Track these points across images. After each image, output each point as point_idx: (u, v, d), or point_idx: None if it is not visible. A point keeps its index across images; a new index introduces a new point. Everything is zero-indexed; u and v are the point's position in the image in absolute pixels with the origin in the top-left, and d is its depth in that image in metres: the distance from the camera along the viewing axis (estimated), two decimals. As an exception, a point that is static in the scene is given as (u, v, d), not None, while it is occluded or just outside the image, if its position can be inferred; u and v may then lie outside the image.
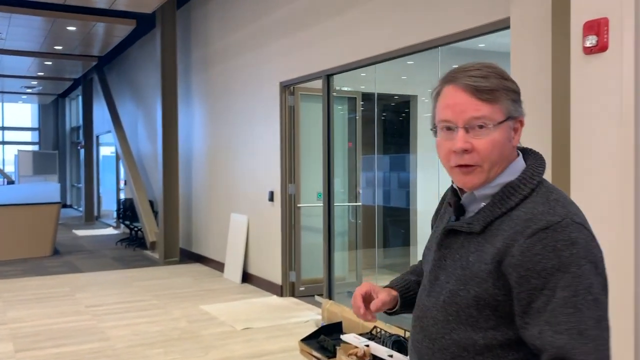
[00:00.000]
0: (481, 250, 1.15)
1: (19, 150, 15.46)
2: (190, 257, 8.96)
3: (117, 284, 7.18)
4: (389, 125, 8.04)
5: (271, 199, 6.58)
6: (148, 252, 9.60)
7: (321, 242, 5.86)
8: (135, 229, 10.48)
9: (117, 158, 13.88)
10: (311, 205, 6.52)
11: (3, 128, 20.64)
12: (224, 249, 7.81)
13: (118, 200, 12.11)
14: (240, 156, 7.35)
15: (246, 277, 7.15)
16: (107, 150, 15.83)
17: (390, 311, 1.42)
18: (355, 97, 6.64)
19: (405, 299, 1.42)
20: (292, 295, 6.38)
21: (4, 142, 20.66)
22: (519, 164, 1.20)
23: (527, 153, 1.24)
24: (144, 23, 9.69)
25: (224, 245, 7.81)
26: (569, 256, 1.06)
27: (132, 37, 11.02)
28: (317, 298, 6.09)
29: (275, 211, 6.54)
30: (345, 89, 6.58)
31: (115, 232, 12.91)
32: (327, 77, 5.60)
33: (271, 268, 6.64)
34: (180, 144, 9.07)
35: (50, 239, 9.57)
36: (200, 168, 8.67)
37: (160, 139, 8.76)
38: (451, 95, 1.18)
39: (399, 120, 8.01)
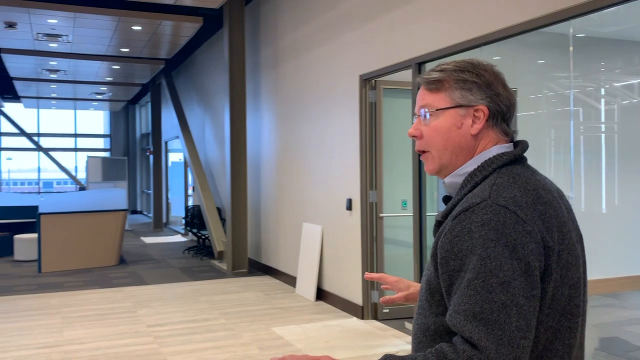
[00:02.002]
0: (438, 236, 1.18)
1: (88, 157, 15.49)
2: (260, 268, 8.35)
3: (183, 299, 6.63)
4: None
5: (349, 207, 5.84)
6: (215, 262, 9.08)
7: (406, 258, 5.06)
8: (203, 237, 10.01)
9: (185, 164, 13.58)
10: (395, 215, 5.73)
11: (76, 135, 21.00)
12: (295, 261, 7.14)
13: (186, 207, 11.72)
14: (314, 160, 6.67)
15: (321, 294, 6.44)
16: (175, 156, 15.63)
17: None
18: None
19: None
20: (375, 318, 5.60)
21: (76, 149, 21.01)
22: (489, 154, 1.20)
23: (517, 144, 1.23)
24: (210, 21, 9.23)
25: (295, 257, 7.15)
26: (478, 237, 1.06)
27: (199, 38, 10.61)
28: (408, 325, 5.29)
29: (354, 221, 5.80)
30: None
31: (183, 239, 12.56)
32: (418, 65, 4.80)
33: (350, 286, 5.90)
34: (248, 148, 8.50)
35: (116, 247, 9.22)
36: (269, 174, 8.06)
37: (228, 143, 8.22)
38: (418, 91, 1.29)
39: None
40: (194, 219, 10.31)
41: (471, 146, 1.21)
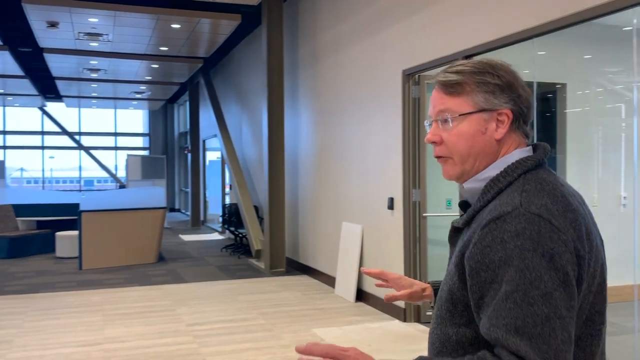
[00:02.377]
0: (460, 244, 1.16)
1: (128, 155, 15.69)
2: (297, 268, 8.26)
3: (221, 298, 6.58)
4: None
5: (391, 206, 5.69)
6: (253, 261, 9.03)
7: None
8: (240, 235, 9.98)
9: (223, 162, 13.62)
10: (440, 215, 5.55)
11: (116, 134, 21.34)
12: (334, 261, 7.02)
13: (223, 206, 11.72)
14: (353, 158, 6.53)
15: (361, 295, 6.30)
16: (213, 154, 15.71)
17: (431, 305, 1.45)
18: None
19: None
20: (418, 320, 5.44)
21: (116, 148, 21.35)
22: (512, 158, 1.17)
23: (537, 147, 1.20)
24: (249, 18, 9.18)
25: (334, 257, 7.02)
26: (513, 248, 1.02)
27: (237, 36, 10.59)
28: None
29: (395, 221, 5.64)
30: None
31: (220, 237, 12.58)
32: (466, 59, 4.61)
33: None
34: (286, 146, 8.42)
35: (156, 245, 9.26)
36: (307, 172, 7.95)
37: (266, 141, 8.15)
38: (433, 93, 1.24)
39: (543, 114, 6.84)
40: (232, 217, 10.29)
41: (494, 151, 1.18)
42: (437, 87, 1.21)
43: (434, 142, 1.21)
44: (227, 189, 13.72)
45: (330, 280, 7.11)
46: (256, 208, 9.98)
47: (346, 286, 6.51)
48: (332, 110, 7.09)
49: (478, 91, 1.16)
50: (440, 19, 4.90)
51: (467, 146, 1.17)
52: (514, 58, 4.89)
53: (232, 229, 10.18)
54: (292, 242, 8.46)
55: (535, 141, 1.29)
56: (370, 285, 6.17)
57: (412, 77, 5.41)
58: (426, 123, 1.28)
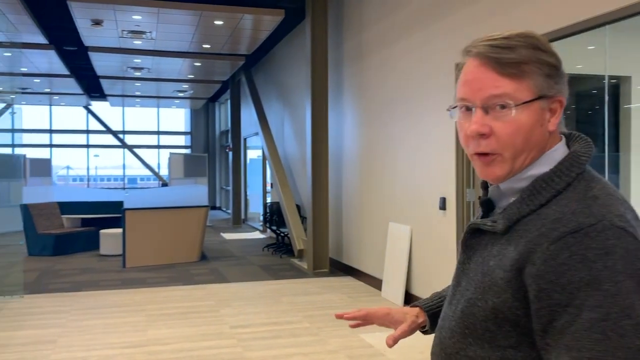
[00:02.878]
0: (503, 254, 0.97)
1: (171, 153, 15.78)
2: (341, 269, 8.05)
3: (265, 299, 6.43)
4: (588, 116, 6.49)
5: (443, 207, 5.42)
6: (295, 261, 8.86)
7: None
8: (282, 234, 9.83)
9: (264, 160, 13.53)
10: (495, 216, 5.25)
11: (159, 132, 21.55)
12: (380, 262, 6.78)
13: (264, 204, 11.62)
14: (402, 156, 6.28)
15: (409, 299, 6.05)
16: (254, 153, 15.65)
17: (424, 330, 1.32)
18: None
19: (436, 316, 1.27)
20: (472, 327, 5.15)
21: (159, 146, 21.57)
22: (558, 153, 1.00)
23: (572, 138, 1.03)
24: (292, 14, 9.01)
25: (380, 258, 6.78)
26: (602, 269, 0.85)
27: (279, 33, 10.45)
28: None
29: (448, 222, 5.37)
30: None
31: (261, 236, 12.48)
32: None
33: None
34: (329, 144, 8.22)
35: (198, 243, 9.20)
36: (351, 170, 7.73)
37: (309, 139, 7.96)
38: (470, 70, 1.00)
39: (603, 109, 6.44)
40: (273, 215, 10.15)
41: (545, 145, 1.00)
42: (484, 63, 0.97)
43: (482, 134, 0.98)
44: (268, 187, 13.61)
45: (376, 283, 6.88)
46: (298, 207, 9.82)
47: (394, 289, 6.26)
48: (379, 107, 6.85)
49: (539, 73, 0.96)
50: (499, 8, 4.61)
51: (524, 140, 0.97)
52: (576, 49, 4.56)
53: (274, 228, 10.05)
54: (336, 242, 8.26)
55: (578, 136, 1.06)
56: (419, 289, 5.92)
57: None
58: (452, 109, 1.03)
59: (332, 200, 8.33)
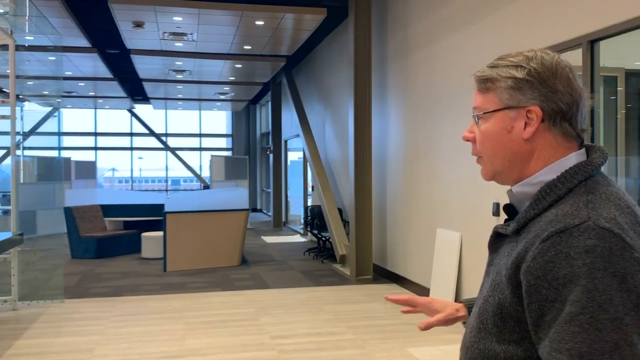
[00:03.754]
0: (510, 254, 1.06)
1: (212, 156, 15.76)
2: (385, 275, 7.76)
3: (307, 307, 6.20)
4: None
5: (496, 213, 5.08)
6: (337, 266, 8.61)
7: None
8: (324, 238, 9.60)
9: (305, 162, 13.33)
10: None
11: (200, 135, 21.66)
12: (427, 270, 6.47)
13: (305, 207, 11.41)
14: (451, 158, 5.96)
15: (459, 310, 5.71)
16: (295, 155, 15.49)
17: (465, 323, 1.38)
18: (616, 76, 4.86)
19: None
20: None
21: (201, 148, 21.67)
22: (569, 161, 1.07)
23: (592, 150, 1.10)
24: (334, 12, 8.78)
25: (427, 265, 6.47)
26: (581, 266, 0.93)
27: (320, 33, 10.23)
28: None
29: (501, 229, 5.01)
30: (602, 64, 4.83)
31: (302, 239, 12.28)
32: (590, 44, 3.96)
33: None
34: (373, 146, 7.94)
35: (238, 247, 9.05)
36: (396, 173, 7.44)
37: (352, 141, 7.70)
38: None
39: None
40: (315, 219, 9.92)
41: (525, 151, 1.09)
42: (475, 82, 1.15)
43: (469, 140, 1.17)
44: (309, 190, 13.41)
45: (422, 291, 6.57)
46: (340, 211, 9.57)
47: (442, 298, 5.93)
48: (425, 106, 6.54)
49: (504, 87, 1.09)
50: (553, 1, 4.26)
51: (492, 145, 1.11)
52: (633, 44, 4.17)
53: (315, 232, 9.82)
54: (380, 247, 7.97)
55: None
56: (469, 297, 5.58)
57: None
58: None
59: (375, 204, 8.04)
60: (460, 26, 5.71)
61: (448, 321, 1.38)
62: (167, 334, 5.22)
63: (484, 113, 1.11)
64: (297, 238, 12.63)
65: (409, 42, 7.01)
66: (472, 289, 5.54)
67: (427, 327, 1.34)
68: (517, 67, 1.08)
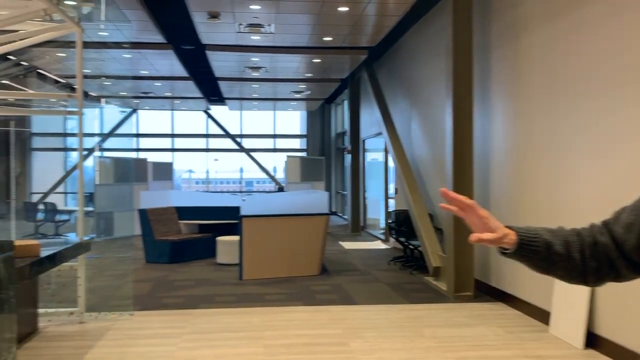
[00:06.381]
0: None
1: (288, 157, 15.18)
2: (488, 292, 6.78)
3: (402, 330, 5.34)
4: None
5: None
6: (430, 280, 7.68)
7: None
8: (412, 247, 8.70)
9: (386, 163, 12.45)
10: None
11: (275, 136, 21.23)
12: (546, 289, 5.46)
13: (387, 211, 10.53)
14: (575, 158, 4.94)
15: (594, 341, 4.69)
16: (372, 155, 14.64)
17: (504, 251, 1.32)
18: None
19: (523, 248, 1.29)
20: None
21: (275, 150, 21.24)
22: None
23: None
24: (425, -5, 7.89)
25: (546, 284, 5.46)
26: None
27: (406, 22, 9.33)
28: None
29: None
30: None
31: (384, 246, 11.41)
32: None
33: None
34: (474, 145, 6.98)
35: (318, 255, 8.31)
36: (502, 174, 6.45)
37: (450, 139, 6.78)
38: None
39: None
40: (402, 225, 9.03)
41: None
42: None
43: None
44: (391, 192, 12.50)
45: (540, 314, 5.56)
46: (430, 216, 8.63)
47: (569, 326, 4.93)
48: (543, 97, 5.54)
49: None
50: None
51: None
52: None
53: (403, 239, 8.93)
54: (482, 260, 6.98)
55: None
56: (607, 328, 4.55)
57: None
58: None
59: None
60: (588, 0, 4.70)
61: (497, 243, 1.30)
62: (245, 359, 4.52)
63: None
64: (379, 245, 11.77)
65: (519, 23, 6.02)
66: (611, 316, 4.51)
67: (477, 241, 1.29)
68: None
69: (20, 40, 5.50)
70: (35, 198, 17.52)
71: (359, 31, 9.20)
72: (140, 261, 9.55)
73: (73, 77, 11.88)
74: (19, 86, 12.10)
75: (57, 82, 13.22)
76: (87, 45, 5.75)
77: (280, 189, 19.56)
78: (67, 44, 8.80)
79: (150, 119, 20.87)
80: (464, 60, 6.71)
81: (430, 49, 8.81)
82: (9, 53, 8.77)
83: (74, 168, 19.98)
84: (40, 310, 5.52)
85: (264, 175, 21.58)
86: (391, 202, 12.08)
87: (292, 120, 22.12)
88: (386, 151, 12.00)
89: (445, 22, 7.10)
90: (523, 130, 5.95)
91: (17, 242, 3.89)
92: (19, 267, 3.69)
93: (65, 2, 5.67)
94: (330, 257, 9.97)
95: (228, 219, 10.52)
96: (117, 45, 9.25)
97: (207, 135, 21.02)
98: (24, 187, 17.71)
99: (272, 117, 21.16)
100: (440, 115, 8.11)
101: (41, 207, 13.67)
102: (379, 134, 11.96)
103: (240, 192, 21.19)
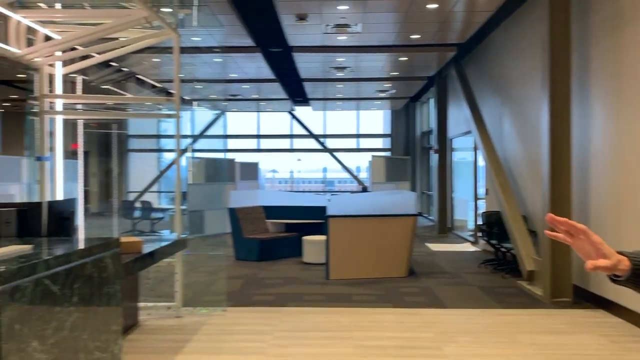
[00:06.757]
0: None
1: (373, 156, 15.12)
2: (588, 299, 6.42)
3: (497, 335, 5.17)
4: None
5: None
6: (524, 284, 7.39)
7: None
8: (504, 250, 8.40)
9: (475, 163, 12.11)
10: None
11: (358, 135, 21.21)
12: (655, 298, 5.09)
13: (476, 213, 10.25)
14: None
15: None
16: (459, 154, 14.29)
17: (616, 279, 1.31)
18: None
19: (637, 274, 1.28)
20: None
21: (358, 149, 21.22)
22: None
23: None
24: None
25: (655, 292, 5.08)
26: None
27: (497, 17, 9.02)
28: None
29: None
30: None
31: (473, 249, 11.11)
32: None
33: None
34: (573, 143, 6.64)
35: (406, 257, 8.20)
36: (604, 175, 6.09)
37: (547, 139, 6.48)
38: None
39: None
40: (493, 227, 8.74)
41: None
42: None
43: None
44: (481, 193, 12.15)
45: (647, 324, 5.20)
46: (524, 218, 8.29)
47: (682, 338, 4.57)
48: (652, 91, 5.17)
49: None
50: None
51: None
52: None
53: (494, 241, 8.64)
54: (579, 264, 6.62)
55: None
56: None
57: None
58: None
59: (575, 212, 6.72)
60: None
61: (612, 270, 1.27)
62: (335, 358, 4.52)
63: None
64: (467, 247, 11.47)
65: (622, 12, 5.66)
66: None
67: (594, 268, 1.25)
68: None
69: (122, 47, 5.79)
70: (131, 197, 18.48)
71: (448, 28, 9.00)
72: (230, 258, 9.83)
73: (168, 81, 12.43)
74: (120, 91, 12.80)
75: (153, 86, 13.87)
76: (182, 50, 5.96)
77: (364, 189, 19.53)
78: (163, 50, 9.20)
79: (237, 121, 21.47)
80: (562, 56, 6.39)
81: (523, 44, 8.47)
82: (111, 60, 9.27)
83: (167, 168, 20.91)
84: (141, 304, 5.79)
85: (345, 175, 21.63)
86: (480, 202, 11.74)
87: (376, 120, 22.03)
88: (475, 150, 11.67)
89: (540, 15, 6.80)
90: (626, 130, 5.59)
91: (122, 239, 4.09)
92: (125, 262, 3.88)
93: (162, 9, 5.92)
94: (418, 258, 9.82)
95: (313, 219, 10.62)
96: (210, 49, 9.56)
97: (291, 136, 21.34)
98: (121, 187, 18.73)
99: (355, 117, 21.17)
100: (534, 114, 7.78)
101: (138, 205, 14.39)
102: (468, 132, 11.66)
103: (325, 192, 21.34)
